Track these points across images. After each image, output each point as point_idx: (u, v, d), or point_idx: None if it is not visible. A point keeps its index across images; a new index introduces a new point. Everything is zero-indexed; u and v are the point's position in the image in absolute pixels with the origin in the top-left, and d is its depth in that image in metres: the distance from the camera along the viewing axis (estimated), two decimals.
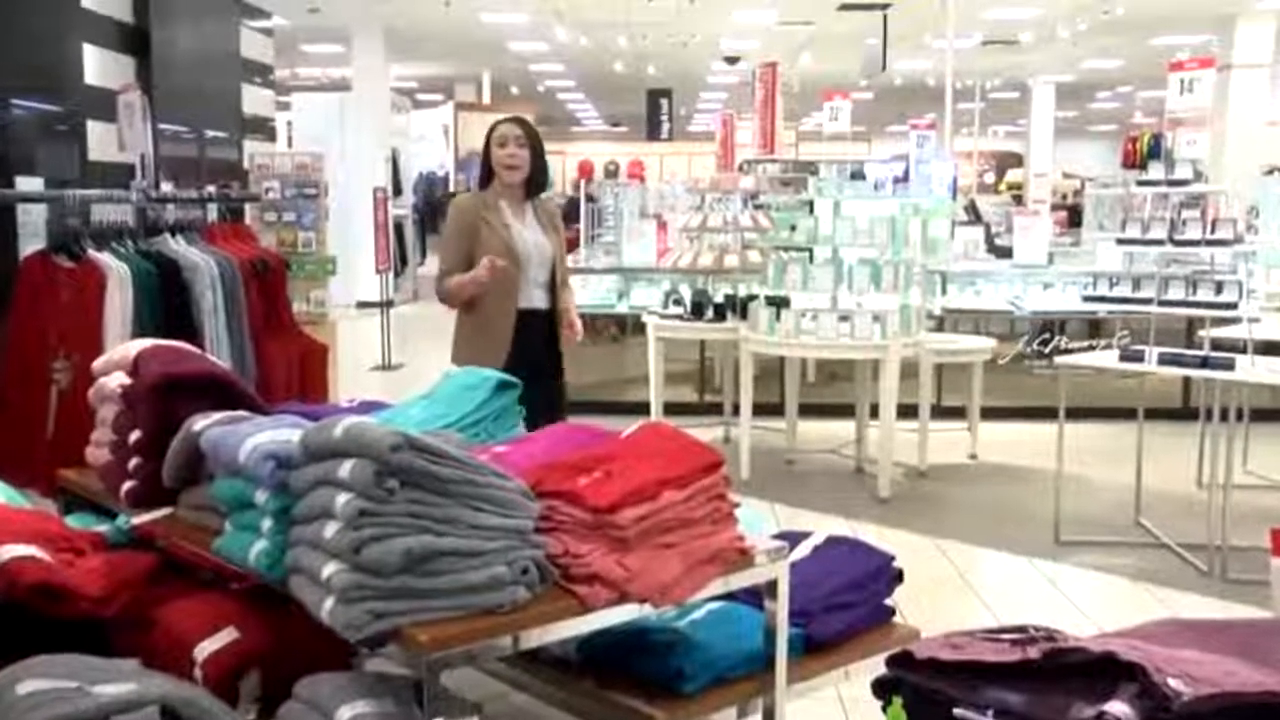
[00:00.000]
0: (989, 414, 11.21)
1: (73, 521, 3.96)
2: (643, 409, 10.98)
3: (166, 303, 6.43)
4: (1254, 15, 22.64)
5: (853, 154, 23.96)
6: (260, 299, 6.97)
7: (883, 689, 2.45)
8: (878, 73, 21.36)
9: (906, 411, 9.87)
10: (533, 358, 6.57)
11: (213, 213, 7.82)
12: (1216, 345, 8.19)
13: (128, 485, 3.79)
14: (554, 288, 6.85)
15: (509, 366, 6.18)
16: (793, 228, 10.73)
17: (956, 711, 2.29)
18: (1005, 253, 14.05)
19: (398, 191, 24.71)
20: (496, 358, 6.32)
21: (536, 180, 6.87)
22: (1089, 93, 37.61)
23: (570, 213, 27.17)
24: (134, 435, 3.81)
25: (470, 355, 6.41)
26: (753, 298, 10.39)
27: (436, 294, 6.89)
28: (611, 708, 3.45)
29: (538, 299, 6.79)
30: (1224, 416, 8.23)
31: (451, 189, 24.17)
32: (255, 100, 17.03)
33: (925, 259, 10.51)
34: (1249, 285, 8.26)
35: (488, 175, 6.85)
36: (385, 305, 16.52)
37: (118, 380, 4.03)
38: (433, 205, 25.58)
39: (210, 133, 14.83)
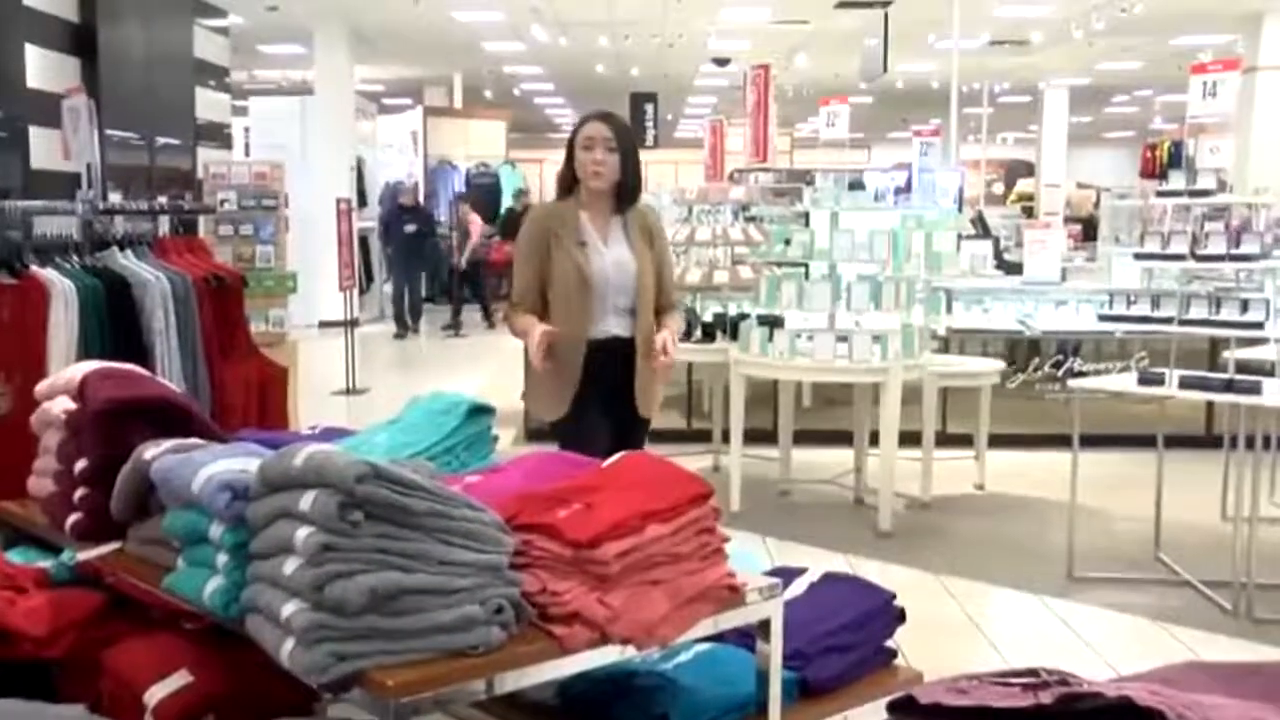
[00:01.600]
0: (997, 441, 11.21)
1: (14, 557, 3.96)
2: None
3: (114, 322, 6.42)
4: None
5: (851, 162, 24.11)
6: (215, 318, 6.95)
7: None
8: (878, 75, 21.42)
9: (909, 439, 9.87)
10: (610, 395, 6.26)
11: (164, 225, 7.81)
12: (1242, 368, 8.19)
13: (73, 518, 3.79)
14: (640, 312, 6.33)
15: (579, 406, 6.20)
16: (787, 242, 10.75)
17: None
18: (1015, 269, 14.09)
19: (363, 202, 24.71)
20: (564, 397, 6.21)
21: (628, 189, 6.39)
22: (1105, 97, 37.74)
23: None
24: (80, 464, 3.81)
25: (540, 393, 6.36)
26: (744, 317, 10.38)
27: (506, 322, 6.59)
28: None
29: (615, 326, 6.29)
30: (1250, 444, 8.22)
31: (415, 200, 23.83)
32: (210, 104, 17.07)
33: (929, 275, 10.51)
34: (1277, 303, 8.28)
35: (571, 182, 6.41)
36: (349, 325, 16.48)
37: (62, 405, 4.04)
38: (381, 216, 25.63)
39: (161, 139, 14.85)
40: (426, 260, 23.82)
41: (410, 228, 22.65)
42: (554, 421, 6.29)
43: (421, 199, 25.35)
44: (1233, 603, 7.83)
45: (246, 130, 24.17)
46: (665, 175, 36.29)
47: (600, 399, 6.22)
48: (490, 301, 23.86)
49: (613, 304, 6.28)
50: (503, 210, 27.35)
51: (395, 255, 23.46)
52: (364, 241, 23.32)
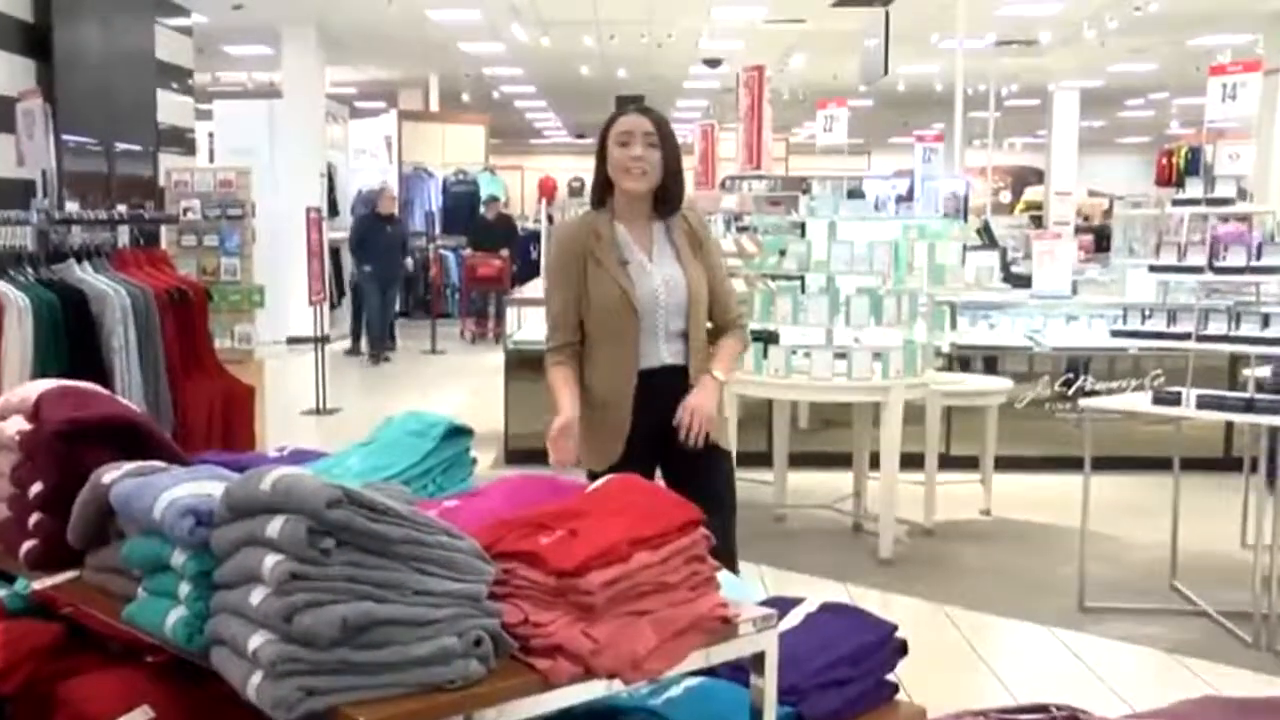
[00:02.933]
0: (1005, 464, 11.22)
1: None
2: None
3: (72, 338, 6.43)
4: None
5: (850, 169, 24.13)
6: (178, 334, 6.97)
7: None
8: (878, 77, 21.39)
9: (911, 462, 9.88)
10: (665, 432, 5.78)
11: (124, 236, 7.83)
12: (1263, 386, 8.22)
13: (28, 545, 3.78)
14: (693, 334, 5.87)
15: (632, 451, 5.73)
16: (782, 253, 10.76)
17: None
18: (1023, 281, 14.10)
19: (334, 212, 24.70)
20: (615, 435, 5.77)
21: (668, 193, 5.85)
22: (1118, 100, 37.80)
23: (526, 238, 27.20)
24: (35, 488, 3.81)
25: (586, 433, 5.76)
26: None
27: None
28: None
29: (668, 353, 5.81)
30: (1271, 467, 8.25)
31: (387, 209, 22.35)
32: (172, 108, 17.07)
33: (932, 288, 10.53)
34: None
35: (604, 188, 5.87)
36: (320, 341, 16.48)
37: (16, 426, 4.03)
38: (355, 227, 25.13)
39: (121, 145, 14.85)
40: (401, 277, 22.99)
41: (391, 241, 21.79)
42: (602, 471, 5.34)
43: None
44: (1253, 635, 7.84)
45: (211, 135, 24.16)
46: None
47: (655, 438, 5.78)
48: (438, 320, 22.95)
49: (664, 329, 5.80)
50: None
51: (373, 271, 21.65)
52: (335, 253, 23.25)
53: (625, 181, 5.74)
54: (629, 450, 5.74)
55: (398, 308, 23.69)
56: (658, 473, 5.86)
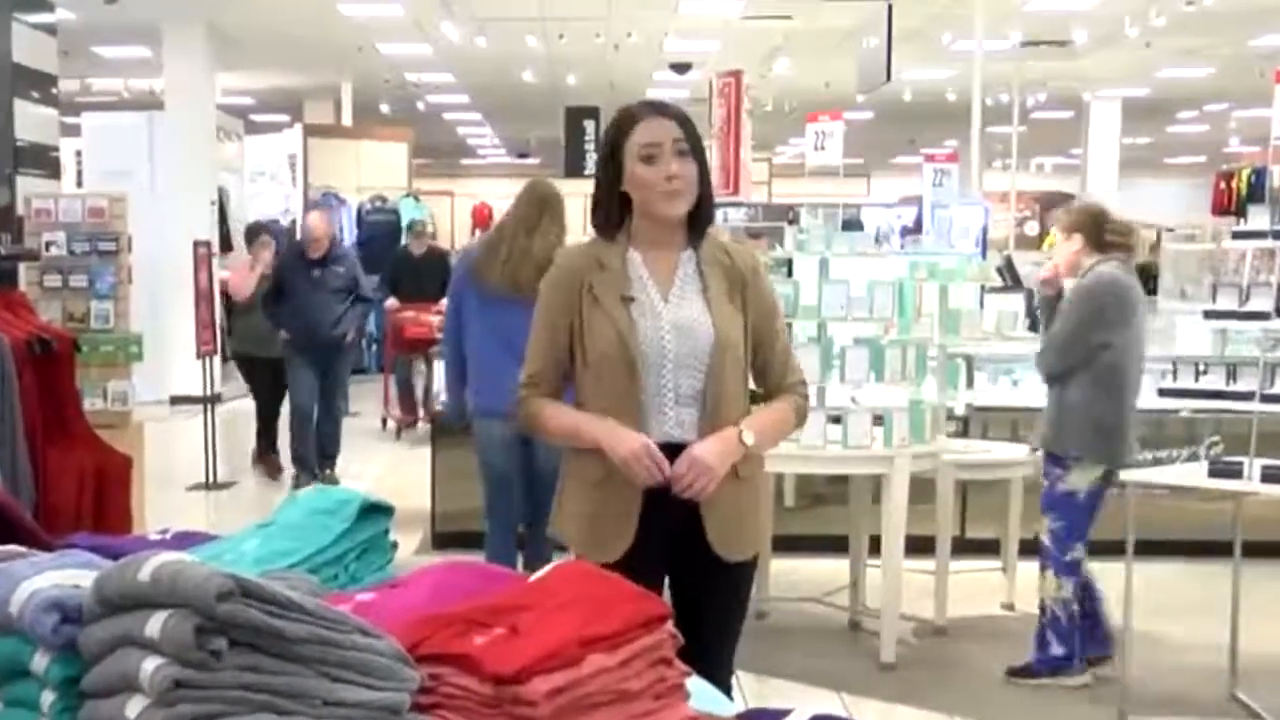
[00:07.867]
0: (1031, 549, 11.20)
1: None
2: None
3: None
4: None
5: (846, 195, 24.17)
6: (40, 392, 6.96)
7: None
8: (880, 85, 21.47)
9: (919, 546, 9.89)
10: (679, 528, 5.31)
11: None
12: None
13: None
14: (714, 403, 5.28)
15: (640, 544, 5.27)
16: None
17: None
18: None
19: (226, 246, 24.61)
20: (623, 519, 5.28)
21: (700, 213, 5.37)
22: (1167, 112, 37.93)
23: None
24: None
25: (581, 524, 5.45)
26: None
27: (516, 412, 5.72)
28: None
29: (674, 424, 5.28)
30: None
31: (330, 245, 16.83)
32: (31, 122, 17.02)
33: (944, 338, 10.56)
34: None
35: (621, 210, 5.42)
36: (210, 401, 16.41)
37: None
38: (273, 266, 23.62)
39: None
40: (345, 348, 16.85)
41: (337, 298, 16.16)
42: (612, 565, 4.89)
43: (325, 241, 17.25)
44: None
45: (79, 154, 24.12)
46: None
47: (665, 534, 5.32)
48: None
49: (674, 388, 5.27)
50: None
51: (295, 340, 16.05)
52: (227, 295, 23.22)
53: (663, 207, 5.27)
54: (644, 538, 5.27)
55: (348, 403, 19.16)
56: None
